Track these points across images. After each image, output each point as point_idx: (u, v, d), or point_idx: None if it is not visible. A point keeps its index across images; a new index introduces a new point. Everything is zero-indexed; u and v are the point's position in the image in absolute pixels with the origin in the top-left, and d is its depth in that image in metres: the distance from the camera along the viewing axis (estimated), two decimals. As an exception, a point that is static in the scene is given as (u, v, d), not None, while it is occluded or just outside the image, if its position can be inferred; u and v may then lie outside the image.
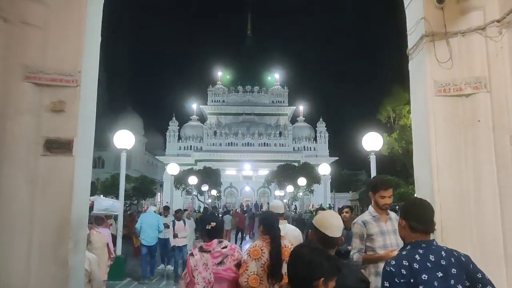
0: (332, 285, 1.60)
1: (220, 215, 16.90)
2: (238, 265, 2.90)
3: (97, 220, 5.48)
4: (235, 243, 15.91)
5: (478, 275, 1.81)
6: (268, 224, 3.03)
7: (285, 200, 36.06)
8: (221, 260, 2.88)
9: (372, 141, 7.95)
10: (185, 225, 9.11)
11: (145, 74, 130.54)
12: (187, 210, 14.68)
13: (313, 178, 29.73)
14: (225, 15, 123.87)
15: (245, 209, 29.57)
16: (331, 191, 41.25)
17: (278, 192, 33.84)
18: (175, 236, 9.01)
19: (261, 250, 2.86)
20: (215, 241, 2.95)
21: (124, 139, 7.99)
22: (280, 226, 3.13)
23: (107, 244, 5.38)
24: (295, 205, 34.64)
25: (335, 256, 1.93)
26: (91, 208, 5.19)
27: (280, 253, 2.81)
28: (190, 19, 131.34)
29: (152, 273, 9.30)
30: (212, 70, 56.28)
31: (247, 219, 17.85)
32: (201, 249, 2.91)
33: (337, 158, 46.66)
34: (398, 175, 44.84)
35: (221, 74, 55.86)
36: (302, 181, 17.64)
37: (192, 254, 2.91)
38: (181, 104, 70.54)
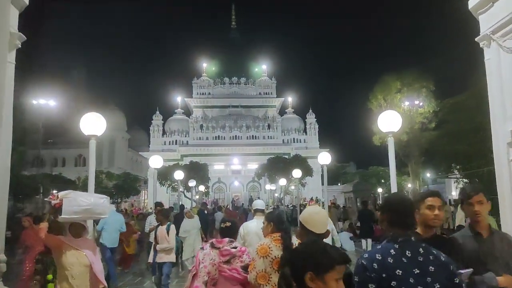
0: (333, 277, 1.51)
1: (206, 212, 15.38)
2: (245, 267, 2.92)
3: (73, 230, 3.44)
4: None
5: (456, 280, 1.73)
6: (279, 221, 3.03)
7: (276, 194, 34.92)
8: (229, 259, 2.95)
9: (389, 121, 6.62)
10: (168, 232, 6.22)
11: (127, 67, 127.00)
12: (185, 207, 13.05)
13: (306, 170, 28.66)
14: (209, 5, 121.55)
15: (236, 205, 28.22)
16: (330, 183, 40.42)
17: (269, 186, 32.61)
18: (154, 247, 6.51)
19: (269, 247, 2.85)
20: (226, 239, 3.05)
21: (93, 123, 6.48)
22: (258, 220, 3.63)
23: (91, 267, 3.40)
24: (280, 199, 33.42)
25: (335, 248, 1.65)
26: (59, 209, 3.30)
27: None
28: (173, 11, 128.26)
29: (114, 280, 7.83)
30: (197, 62, 54.79)
31: (238, 216, 16.61)
32: (212, 245, 3.02)
33: (328, 150, 45.71)
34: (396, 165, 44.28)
35: (206, 66, 54.27)
36: (297, 172, 16.39)
37: (202, 248, 3.08)
38: (165, 97, 68.91)
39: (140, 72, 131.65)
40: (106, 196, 4.10)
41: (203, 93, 52.53)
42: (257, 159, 40.82)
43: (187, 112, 51.48)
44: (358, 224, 13.86)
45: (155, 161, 11.64)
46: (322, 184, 42.70)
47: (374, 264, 1.71)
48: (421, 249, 1.76)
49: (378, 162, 47.93)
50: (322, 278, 1.51)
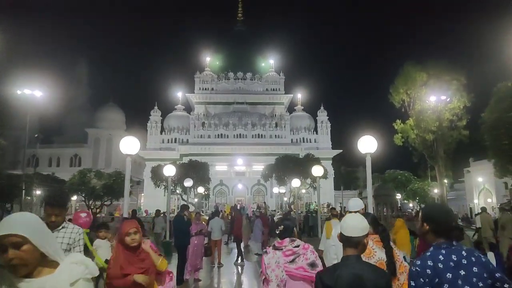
0: None
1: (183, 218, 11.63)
2: (311, 264, 2.98)
3: None
4: (236, 258, 11.22)
5: (496, 274, 1.94)
6: (374, 223, 3.11)
7: (285, 199, 31.56)
8: (293, 259, 3.01)
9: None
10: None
11: (127, 61, 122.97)
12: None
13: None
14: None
15: (239, 208, 24.84)
16: (340, 189, 36.97)
17: (277, 189, 29.24)
18: None
19: (373, 249, 2.97)
20: (287, 239, 3.15)
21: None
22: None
23: None
24: (290, 204, 29.91)
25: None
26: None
27: (392, 251, 3.00)
28: (175, 1, 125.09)
29: None
30: (200, 55, 52.32)
31: (246, 222, 13.30)
32: (274, 247, 3.15)
33: (341, 150, 42.43)
34: (416, 169, 40.82)
35: (210, 60, 51.80)
36: (318, 170, 13.01)
37: (266, 252, 3.19)
38: (165, 92, 65.70)
39: (140, 66, 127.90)
40: None
41: (205, 88, 49.81)
42: (263, 160, 37.85)
43: (188, 109, 48.88)
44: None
45: (129, 145, 8.24)
46: (338, 189, 39.22)
47: (427, 270, 1.93)
48: (463, 252, 1.98)
49: (394, 166, 44.34)
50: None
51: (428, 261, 1.95)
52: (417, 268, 1.96)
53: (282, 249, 3.07)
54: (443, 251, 1.97)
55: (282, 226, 3.25)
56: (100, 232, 4.93)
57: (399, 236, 6.37)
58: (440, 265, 1.92)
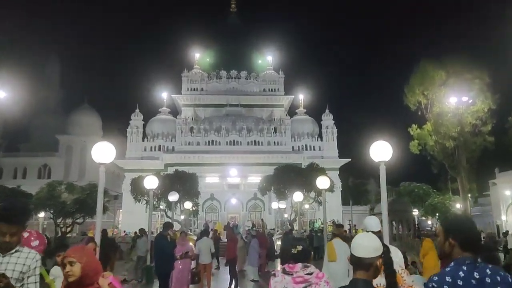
0: None
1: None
2: None
3: None
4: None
5: None
6: None
7: (285, 215, 31.34)
8: (304, 287, 3.04)
9: None
10: None
11: (105, 57, 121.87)
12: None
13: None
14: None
15: (231, 225, 24.65)
16: (348, 204, 36.86)
17: (276, 204, 29.07)
18: None
19: None
20: (300, 265, 3.16)
21: None
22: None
23: None
24: (291, 221, 29.61)
25: None
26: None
27: (395, 276, 2.91)
28: None
29: None
30: (188, 51, 52.65)
31: (242, 243, 13.04)
32: (284, 271, 3.18)
33: (349, 159, 42.46)
34: (435, 181, 40.81)
35: (199, 56, 52.15)
36: (323, 182, 12.88)
37: (274, 275, 3.26)
38: (148, 93, 65.93)
39: (119, 63, 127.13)
40: None
41: (194, 89, 50.02)
42: (260, 170, 37.99)
43: (174, 112, 49.09)
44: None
45: (102, 152, 7.98)
46: (346, 204, 39.10)
47: (445, 287, 1.98)
48: (488, 270, 2.01)
49: (410, 178, 44.27)
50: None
51: (447, 277, 2.00)
52: (433, 284, 2.01)
53: (292, 275, 3.09)
54: (465, 268, 2.02)
55: (300, 247, 3.22)
56: (59, 256, 4.59)
57: (428, 259, 6.21)
58: (460, 282, 1.97)
